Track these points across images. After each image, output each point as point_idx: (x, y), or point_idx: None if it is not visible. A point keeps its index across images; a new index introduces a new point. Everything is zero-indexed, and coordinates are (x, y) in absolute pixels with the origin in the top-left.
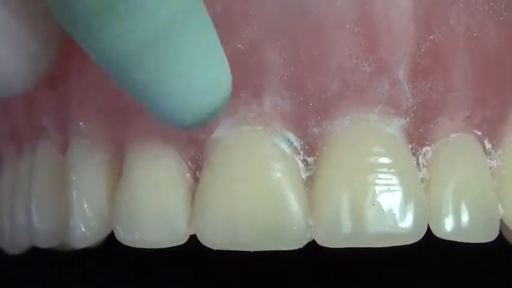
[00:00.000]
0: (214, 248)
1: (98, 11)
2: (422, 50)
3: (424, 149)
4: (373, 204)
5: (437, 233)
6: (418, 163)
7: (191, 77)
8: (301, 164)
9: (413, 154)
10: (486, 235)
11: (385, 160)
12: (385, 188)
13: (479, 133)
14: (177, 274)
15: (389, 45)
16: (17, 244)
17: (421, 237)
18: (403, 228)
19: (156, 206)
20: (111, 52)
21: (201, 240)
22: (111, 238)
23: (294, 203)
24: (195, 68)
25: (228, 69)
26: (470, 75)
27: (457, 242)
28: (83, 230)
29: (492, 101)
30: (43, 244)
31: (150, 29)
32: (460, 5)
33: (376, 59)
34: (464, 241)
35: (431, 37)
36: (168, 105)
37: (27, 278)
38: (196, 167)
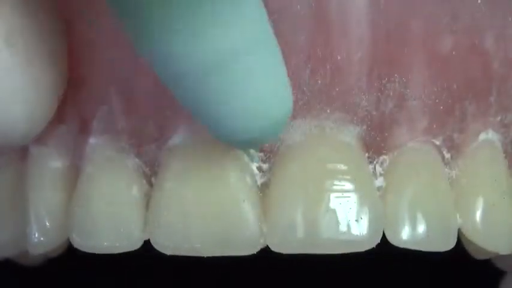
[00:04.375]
0: (168, 253)
1: (174, 29)
2: (379, 57)
3: (381, 158)
4: (327, 211)
5: (393, 241)
6: (374, 171)
7: (257, 99)
8: (256, 171)
9: (370, 162)
10: (443, 244)
11: (340, 167)
12: (340, 194)
13: (438, 143)
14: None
15: (345, 52)
16: None
17: (375, 244)
18: (357, 235)
19: (111, 212)
20: (178, 70)
21: (154, 245)
22: None
23: (247, 208)
24: (262, 91)
25: (291, 94)
26: (428, 84)
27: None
28: (40, 235)
29: (451, 111)
30: (2, 253)
31: (222, 50)
32: (420, 12)
33: (331, 65)
34: (420, 249)
35: (389, 44)
36: (229, 126)
37: None
38: (152, 172)
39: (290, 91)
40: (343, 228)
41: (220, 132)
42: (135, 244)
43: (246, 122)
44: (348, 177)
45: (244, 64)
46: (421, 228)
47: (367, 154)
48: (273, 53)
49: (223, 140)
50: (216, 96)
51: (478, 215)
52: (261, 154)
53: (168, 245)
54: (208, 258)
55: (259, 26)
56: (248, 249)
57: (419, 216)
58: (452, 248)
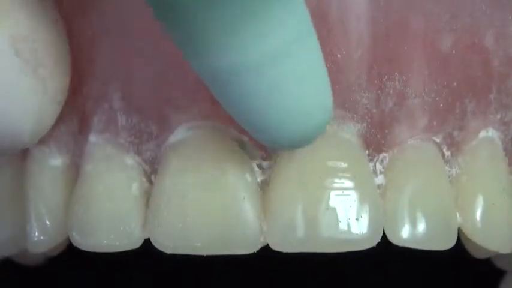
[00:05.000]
0: (168, 251)
1: (221, 24)
2: (379, 55)
3: (381, 155)
4: (327, 209)
5: (393, 239)
6: (375, 169)
7: (300, 99)
8: (256, 168)
9: (370, 160)
10: (443, 243)
11: (340, 164)
12: (340, 192)
13: (438, 140)
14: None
15: (345, 50)
16: None
17: (375, 243)
18: (357, 234)
19: (111, 210)
20: (221, 66)
21: (154, 244)
22: None
23: (247, 207)
24: (305, 90)
25: (331, 96)
26: (428, 82)
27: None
28: (40, 234)
29: (451, 108)
30: (2, 252)
31: (270, 47)
32: (420, 10)
33: (331, 62)
34: (420, 248)
35: (389, 42)
36: (269, 125)
37: None
38: (152, 170)
39: (331, 93)
40: (343, 226)
41: (263, 137)
42: (135, 243)
43: (287, 128)
44: (348, 175)
45: (290, 64)
46: (421, 226)
47: (367, 152)
48: (317, 53)
49: (265, 143)
50: (260, 100)
51: (478, 213)
52: (262, 152)
53: (168, 243)
54: (208, 256)
55: (305, 25)
56: (248, 247)
57: (420, 214)
58: (452, 247)
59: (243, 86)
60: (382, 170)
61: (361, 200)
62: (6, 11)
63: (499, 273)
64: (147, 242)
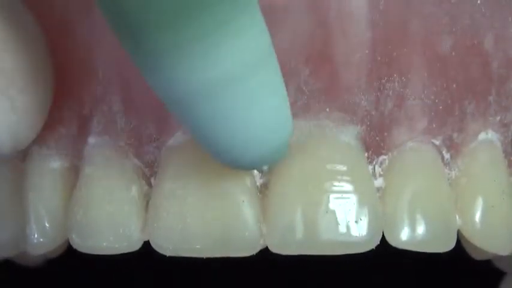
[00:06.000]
0: (168, 254)
1: (173, 46)
2: (379, 57)
3: (380, 158)
4: (327, 212)
5: (392, 242)
6: (374, 171)
7: (259, 125)
8: (255, 171)
9: (370, 162)
10: (442, 245)
11: (339, 167)
12: (339, 195)
13: (437, 143)
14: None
15: (344, 52)
16: None
17: (375, 245)
18: (356, 236)
19: (110, 213)
20: (176, 90)
21: (153, 246)
22: None
23: (247, 209)
24: (263, 113)
25: (291, 116)
26: (427, 84)
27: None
28: (39, 236)
29: (450, 110)
30: (2, 254)
31: (224, 70)
32: (419, 12)
33: (331, 65)
34: (420, 250)
35: (388, 44)
36: (229, 154)
37: None
38: (152, 173)
39: (290, 113)
40: (342, 229)
41: (220, 159)
42: (134, 245)
43: (246, 150)
44: (348, 178)
45: (245, 88)
46: (420, 229)
47: (366, 154)
48: (275, 73)
49: (223, 162)
50: (216, 122)
51: (478, 216)
52: None
53: (168, 246)
54: (208, 259)
55: (262, 47)
56: (247, 250)
57: (419, 217)
58: (452, 249)
59: (199, 109)
60: (382, 172)
61: (361, 202)
62: None
63: (499, 275)
64: (147, 244)
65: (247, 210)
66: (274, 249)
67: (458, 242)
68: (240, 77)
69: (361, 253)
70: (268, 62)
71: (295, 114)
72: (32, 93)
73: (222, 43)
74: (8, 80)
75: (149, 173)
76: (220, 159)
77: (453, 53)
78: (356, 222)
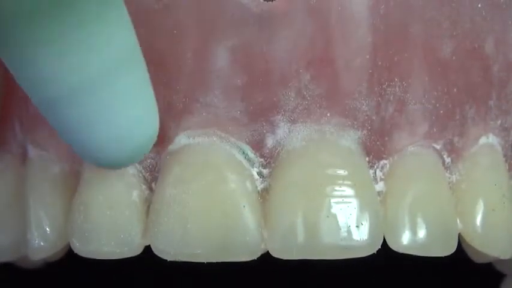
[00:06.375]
0: (169, 259)
1: (34, 44)
2: (379, 62)
3: (381, 162)
4: (328, 216)
5: (393, 246)
6: (375, 176)
7: (122, 126)
8: (256, 176)
9: (371, 167)
10: (443, 249)
11: (340, 172)
12: (340, 200)
13: (438, 147)
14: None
15: (345, 57)
16: None
17: (376, 249)
18: (357, 241)
19: (111, 217)
20: (43, 94)
21: (155, 251)
22: None
23: (248, 214)
24: (126, 117)
25: (157, 117)
26: (428, 88)
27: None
28: (40, 241)
29: (451, 115)
30: (3, 258)
31: (85, 74)
32: (419, 17)
33: (332, 70)
34: (421, 255)
35: (389, 49)
36: (94, 153)
37: None
38: (152, 178)
39: (156, 114)
40: (343, 233)
41: (87, 158)
42: (135, 250)
43: (109, 150)
44: (349, 182)
45: (108, 89)
46: (421, 233)
47: (367, 159)
48: (140, 76)
49: (91, 162)
50: (80, 123)
51: (478, 219)
52: (262, 159)
53: (169, 251)
54: (209, 264)
55: (126, 49)
56: (248, 255)
57: (420, 221)
58: None
59: (63, 112)
60: (383, 176)
61: (362, 207)
62: None
63: (499, 276)
64: (147, 247)
65: (248, 215)
66: (275, 253)
67: (459, 243)
68: (104, 79)
69: (361, 257)
70: (134, 62)
71: (296, 119)
72: None
73: (86, 42)
74: None
75: (150, 177)
76: (87, 159)
77: (454, 57)
78: (357, 226)
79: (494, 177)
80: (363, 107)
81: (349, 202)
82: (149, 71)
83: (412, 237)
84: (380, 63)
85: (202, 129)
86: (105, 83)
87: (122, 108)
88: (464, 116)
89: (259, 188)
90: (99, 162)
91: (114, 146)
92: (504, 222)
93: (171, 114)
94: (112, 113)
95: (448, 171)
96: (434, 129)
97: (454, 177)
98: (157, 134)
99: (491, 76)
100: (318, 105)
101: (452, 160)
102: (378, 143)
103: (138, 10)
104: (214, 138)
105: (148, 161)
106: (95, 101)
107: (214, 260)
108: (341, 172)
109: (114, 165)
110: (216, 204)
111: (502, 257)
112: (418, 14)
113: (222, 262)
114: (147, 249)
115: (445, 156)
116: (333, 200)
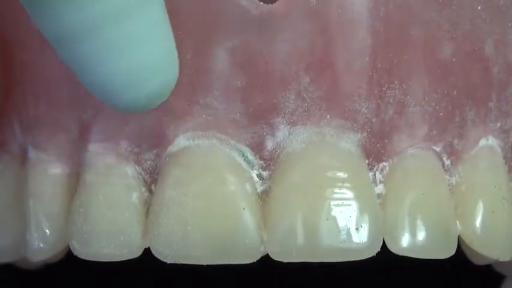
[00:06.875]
0: (168, 261)
1: None
2: (379, 64)
3: (381, 164)
4: (328, 219)
5: (393, 248)
6: (374, 178)
7: (139, 64)
8: (256, 178)
9: (370, 169)
10: (443, 251)
11: (340, 174)
12: (340, 202)
13: (438, 149)
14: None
15: (345, 59)
16: None
17: (376, 252)
18: (357, 243)
19: (110, 219)
20: (61, 27)
21: (154, 253)
22: None
23: (247, 216)
24: (144, 57)
25: (176, 62)
26: (428, 90)
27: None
28: (40, 242)
29: (451, 117)
30: (2, 259)
31: (104, 7)
32: (419, 19)
33: (331, 72)
34: (420, 257)
35: (389, 51)
36: (110, 86)
37: None
38: (152, 179)
39: (176, 59)
40: (343, 236)
41: (102, 93)
42: (135, 252)
43: (127, 93)
44: (348, 185)
45: (124, 28)
46: (421, 235)
47: (367, 161)
48: (158, 18)
49: (106, 102)
50: (99, 59)
51: (478, 221)
52: (261, 162)
53: (168, 253)
54: (209, 265)
55: None
56: (248, 257)
57: (419, 223)
58: None
59: (83, 47)
60: (382, 179)
61: (361, 210)
62: None
63: (499, 278)
64: (147, 249)
65: (247, 217)
66: (274, 256)
67: (459, 245)
68: (127, 14)
69: (361, 260)
70: (150, 2)
71: (296, 121)
72: None
73: None
74: None
75: (149, 179)
76: (106, 102)
77: (454, 59)
78: (357, 229)
79: (494, 179)
80: (363, 109)
81: (349, 204)
82: None
83: (411, 240)
84: (380, 65)
85: (202, 131)
86: (128, 16)
87: (140, 47)
88: (464, 118)
89: (259, 191)
90: (118, 106)
91: (131, 89)
92: (504, 224)
93: (171, 116)
94: (130, 51)
95: (448, 174)
96: (434, 132)
97: (453, 180)
98: (176, 80)
99: (491, 78)
100: (317, 107)
101: (452, 162)
102: (377, 145)
103: None
104: (214, 141)
105: (148, 163)
106: (116, 34)
107: (213, 263)
108: (341, 174)
109: (131, 109)
110: (215, 207)
111: (501, 259)
112: (418, 16)
113: (221, 264)
114: (147, 250)
115: (444, 159)
116: (332, 203)
